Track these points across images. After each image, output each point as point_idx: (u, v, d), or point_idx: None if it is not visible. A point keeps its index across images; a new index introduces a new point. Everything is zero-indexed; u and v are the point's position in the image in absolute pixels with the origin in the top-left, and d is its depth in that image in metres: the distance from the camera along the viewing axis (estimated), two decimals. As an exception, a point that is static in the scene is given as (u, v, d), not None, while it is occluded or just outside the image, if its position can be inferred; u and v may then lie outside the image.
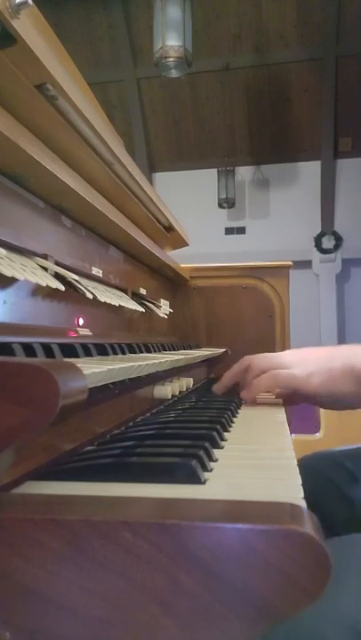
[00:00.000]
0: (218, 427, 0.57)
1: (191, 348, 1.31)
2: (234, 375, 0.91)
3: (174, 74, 5.08)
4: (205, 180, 7.93)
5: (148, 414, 0.77)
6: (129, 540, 0.29)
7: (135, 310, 1.04)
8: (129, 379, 0.59)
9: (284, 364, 0.83)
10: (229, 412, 0.72)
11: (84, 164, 0.79)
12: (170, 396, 0.85)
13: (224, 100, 7.53)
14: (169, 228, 1.39)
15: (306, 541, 0.28)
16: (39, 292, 0.69)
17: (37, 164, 0.60)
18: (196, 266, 1.62)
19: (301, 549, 0.28)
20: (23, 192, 0.66)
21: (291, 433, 0.74)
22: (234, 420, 0.71)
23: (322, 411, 3.04)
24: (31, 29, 0.53)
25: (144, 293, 1.20)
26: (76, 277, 0.74)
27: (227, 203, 7.74)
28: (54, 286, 0.66)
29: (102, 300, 0.82)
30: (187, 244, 1.56)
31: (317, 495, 0.91)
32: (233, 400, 0.85)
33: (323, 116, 7.43)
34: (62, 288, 0.68)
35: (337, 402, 0.81)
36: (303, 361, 0.82)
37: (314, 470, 0.95)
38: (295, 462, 0.46)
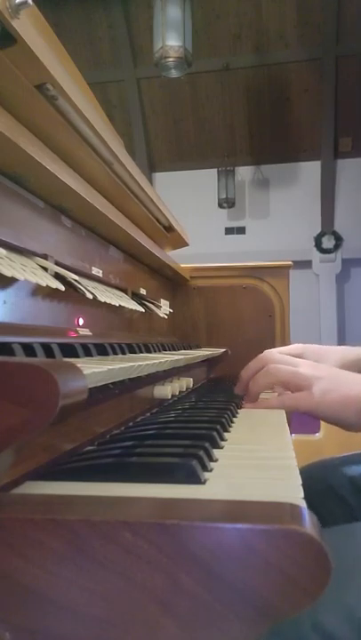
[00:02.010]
0: (218, 427, 0.56)
1: (191, 348, 1.31)
2: (251, 375, 0.87)
3: (174, 74, 5.08)
4: (205, 180, 7.93)
5: (148, 414, 0.77)
6: (129, 540, 0.29)
7: (135, 310, 1.04)
8: (129, 379, 0.59)
9: (303, 378, 0.80)
10: (229, 412, 0.72)
11: (84, 164, 0.79)
12: (170, 396, 0.85)
13: (224, 100, 7.53)
14: (169, 228, 1.39)
15: (306, 541, 0.28)
16: (39, 292, 0.69)
17: (37, 164, 0.60)
18: (196, 266, 1.62)
19: (301, 549, 0.28)
20: (23, 192, 0.66)
21: (291, 433, 0.74)
22: (234, 420, 0.71)
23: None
24: (31, 29, 0.53)
25: (144, 293, 1.20)
26: (76, 277, 0.74)
27: (227, 203, 7.74)
28: (54, 286, 0.66)
29: (102, 300, 0.82)
30: (187, 244, 1.56)
31: (318, 502, 0.91)
32: (233, 400, 0.85)
33: (323, 116, 7.43)
34: (62, 288, 0.68)
35: (343, 426, 0.80)
36: (321, 379, 0.79)
37: (315, 477, 0.95)
38: (295, 462, 0.46)
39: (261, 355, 0.87)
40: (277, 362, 0.84)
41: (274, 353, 0.87)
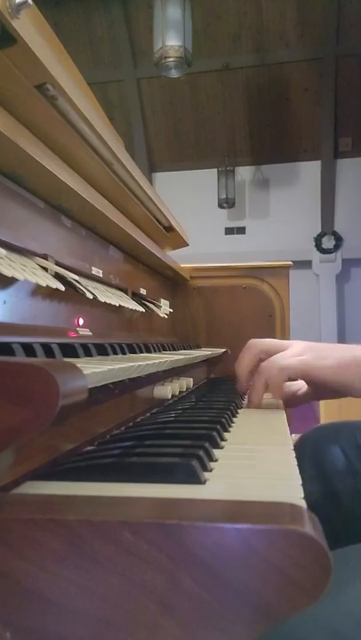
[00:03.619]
0: (218, 427, 0.56)
1: (191, 348, 1.31)
2: (246, 366, 0.87)
3: (174, 74, 5.08)
4: (205, 180, 7.94)
5: (148, 414, 0.77)
6: (129, 540, 0.29)
7: (135, 310, 1.04)
8: (129, 379, 0.59)
9: (286, 345, 0.82)
10: (229, 412, 0.72)
11: (84, 164, 0.79)
12: (170, 396, 0.85)
13: (224, 99, 7.53)
14: (169, 228, 1.39)
15: (306, 541, 0.28)
16: (39, 291, 0.69)
17: (37, 164, 0.60)
18: (196, 266, 1.62)
19: (301, 549, 0.28)
20: (23, 192, 0.66)
21: (291, 433, 0.74)
22: (234, 419, 0.71)
23: (322, 410, 3.04)
24: (31, 29, 0.53)
25: (144, 293, 1.20)
26: (76, 277, 0.74)
27: (227, 203, 7.75)
28: (54, 286, 0.66)
29: (102, 300, 0.82)
30: (187, 244, 1.56)
31: (325, 464, 0.90)
32: (233, 400, 0.85)
33: (323, 116, 7.43)
34: (62, 288, 0.68)
35: (345, 391, 0.80)
36: (313, 348, 0.80)
37: (323, 439, 0.94)
38: (295, 462, 0.46)
39: (247, 344, 0.87)
40: (265, 351, 0.84)
41: (260, 341, 0.87)
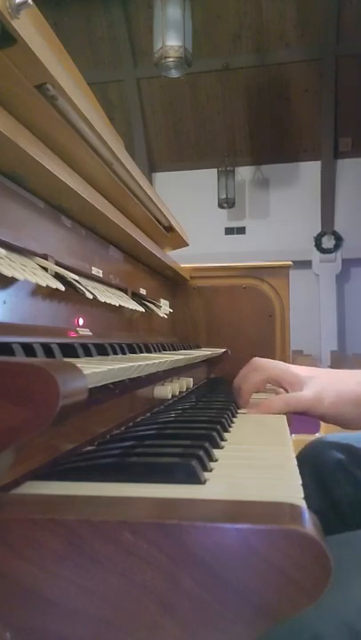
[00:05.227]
0: (218, 427, 0.56)
1: (191, 348, 1.31)
2: (254, 386, 0.87)
3: (174, 74, 5.09)
4: (205, 180, 7.94)
5: (148, 414, 0.77)
6: (129, 540, 0.29)
7: (135, 310, 1.04)
8: (129, 379, 0.59)
9: (294, 375, 0.81)
10: (229, 412, 0.72)
11: (84, 164, 0.79)
12: (170, 396, 0.85)
13: (224, 99, 7.54)
14: (169, 228, 1.39)
15: (306, 541, 0.28)
16: (39, 291, 0.69)
17: (37, 164, 0.60)
18: (196, 266, 1.62)
19: (301, 549, 0.28)
20: (23, 192, 0.66)
21: (291, 433, 0.74)
22: (234, 420, 0.71)
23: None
24: (31, 29, 0.53)
25: (144, 293, 1.20)
26: (76, 277, 0.74)
27: (227, 203, 7.76)
28: (54, 286, 0.66)
29: (102, 300, 0.82)
30: (187, 244, 1.56)
31: (327, 475, 0.90)
32: (233, 400, 0.85)
33: (323, 116, 7.44)
34: (62, 288, 0.68)
35: (342, 423, 0.80)
36: (314, 377, 0.80)
37: (325, 452, 0.94)
38: (295, 462, 0.46)
39: (251, 360, 0.87)
40: (274, 377, 0.84)
41: (263, 359, 0.87)
